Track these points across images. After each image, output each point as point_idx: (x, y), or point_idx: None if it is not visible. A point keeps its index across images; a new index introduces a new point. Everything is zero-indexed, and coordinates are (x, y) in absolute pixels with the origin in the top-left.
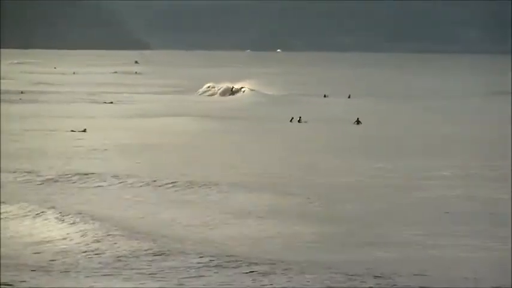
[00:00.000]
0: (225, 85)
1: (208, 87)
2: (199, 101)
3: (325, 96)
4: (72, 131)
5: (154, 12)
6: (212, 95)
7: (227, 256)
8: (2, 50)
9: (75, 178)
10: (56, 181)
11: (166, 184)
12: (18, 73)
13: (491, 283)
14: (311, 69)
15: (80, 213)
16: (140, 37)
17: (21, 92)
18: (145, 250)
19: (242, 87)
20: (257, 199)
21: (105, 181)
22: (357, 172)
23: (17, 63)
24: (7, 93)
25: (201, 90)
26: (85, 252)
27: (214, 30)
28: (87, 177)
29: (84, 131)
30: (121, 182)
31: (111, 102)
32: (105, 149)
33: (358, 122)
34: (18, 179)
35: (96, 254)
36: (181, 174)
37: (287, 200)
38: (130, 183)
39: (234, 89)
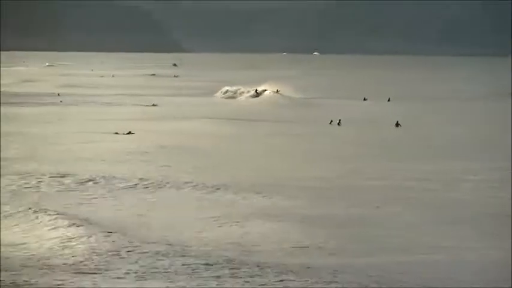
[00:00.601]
0: (261, 87)
1: (241, 91)
2: (235, 104)
3: (364, 99)
4: (116, 133)
5: (192, 15)
6: (254, 96)
7: None
8: (33, 52)
9: (145, 184)
10: (125, 188)
11: (241, 190)
12: (55, 75)
13: None
14: (350, 72)
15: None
16: (178, 40)
17: (58, 95)
18: None
19: (278, 90)
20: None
21: (177, 187)
22: (404, 175)
23: (48, 65)
24: (44, 95)
25: (239, 92)
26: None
27: (252, 33)
28: (150, 183)
29: (129, 133)
30: (192, 187)
31: (154, 105)
32: (156, 152)
33: (397, 124)
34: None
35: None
36: (245, 178)
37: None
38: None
39: (270, 91)
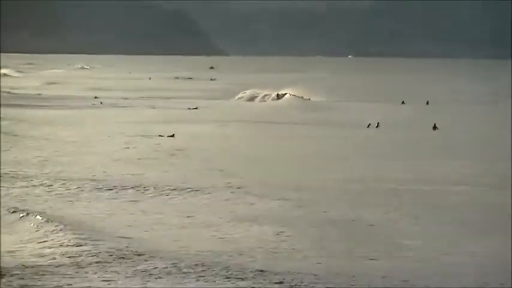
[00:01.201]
0: (295, 92)
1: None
2: (272, 106)
3: (403, 102)
4: (160, 136)
5: (229, 18)
6: (284, 99)
7: None
8: (67, 55)
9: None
10: (196, 191)
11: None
12: (87, 78)
13: None
14: (387, 76)
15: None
16: (215, 43)
17: (95, 97)
18: None
19: (309, 98)
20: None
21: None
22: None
23: (80, 67)
24: (81, 99)
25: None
26: None
27: (288, 36)
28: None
29: (173, 136)
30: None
31: (196, 108)
32: (208, 157)
33: (435, 127)
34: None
35: None
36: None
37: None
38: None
39: (304, 95)
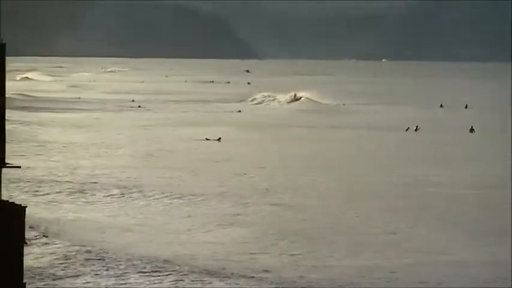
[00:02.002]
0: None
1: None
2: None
3: (441, 106)
4: (207, 139)
5: (264, 22)
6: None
7: None
8: (102, 58)
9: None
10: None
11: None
12: (127, 82)
13: None
14: (425, 80)
15: None
16: (250, 46)
17: (132, 101)
18: None
19: (343, 103)
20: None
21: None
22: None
23: (110, 71)
24: (120, 101)
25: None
26: None
27: (324, 40)
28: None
29: (219, 140)
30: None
31: (239, 111)
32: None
33: (472, 130)
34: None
35: None
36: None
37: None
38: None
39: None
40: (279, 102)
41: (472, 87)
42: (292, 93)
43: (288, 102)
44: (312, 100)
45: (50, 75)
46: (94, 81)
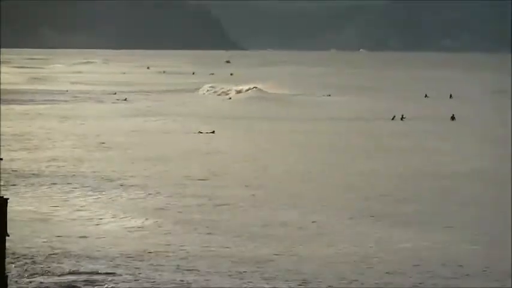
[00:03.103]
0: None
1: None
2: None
3: (426, 96)
4: (200, 132)
5: (247, 13)
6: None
7: None
8: (84, 49)
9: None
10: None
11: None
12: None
13: None
14: (416, 71)
15: None
16: (231, 37)
17: (114, 93)
18: None
19: (328, 94)
20: None
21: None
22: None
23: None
24: (101, 93)
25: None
26: None
27: (305, 31)
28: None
29: (213, 132)
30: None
31: (230, 98)
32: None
33: (453, 118)
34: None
35: None
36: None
37: None
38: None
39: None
40: (227, 93)
41: (457, 78)
42: (245, 85)
43: (237, 93)
44: (264, 91)
45: (16, 67)
46: (63, 73)
